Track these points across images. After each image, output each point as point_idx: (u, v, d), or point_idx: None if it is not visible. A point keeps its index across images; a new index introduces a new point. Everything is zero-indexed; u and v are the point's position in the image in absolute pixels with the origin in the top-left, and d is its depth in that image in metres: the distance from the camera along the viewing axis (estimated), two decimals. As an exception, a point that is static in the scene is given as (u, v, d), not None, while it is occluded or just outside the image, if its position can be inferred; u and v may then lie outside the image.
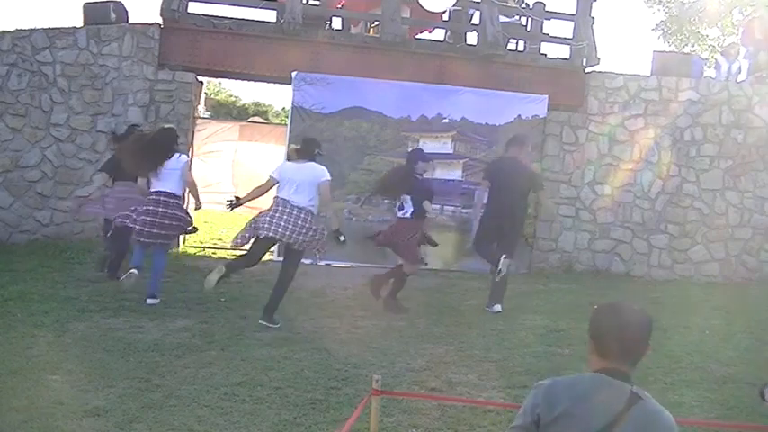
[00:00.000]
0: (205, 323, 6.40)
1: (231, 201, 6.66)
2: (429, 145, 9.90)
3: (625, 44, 46.43)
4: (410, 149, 8.49)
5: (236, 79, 11.62)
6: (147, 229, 6.78)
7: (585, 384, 2.13)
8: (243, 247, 6.93)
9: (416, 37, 10.85)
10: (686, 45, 21.64)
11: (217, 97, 23.78)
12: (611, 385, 2.09)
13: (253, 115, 20.59)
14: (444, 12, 10.59)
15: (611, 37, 45.12)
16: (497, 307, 7.33)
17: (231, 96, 24.65)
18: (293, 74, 9.54)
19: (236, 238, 6.71)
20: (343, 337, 6.26)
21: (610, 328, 2.17)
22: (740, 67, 11.57)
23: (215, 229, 12.13)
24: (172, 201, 6.91)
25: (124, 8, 9.71)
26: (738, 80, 11.27)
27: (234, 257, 7.21)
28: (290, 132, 9.72)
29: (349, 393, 4.81)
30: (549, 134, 10.18)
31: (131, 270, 6.70)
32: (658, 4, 22.15)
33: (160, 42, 9.47)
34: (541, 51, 10.68)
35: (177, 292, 7.19)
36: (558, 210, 10.12)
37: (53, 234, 9.22)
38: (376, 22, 10.64)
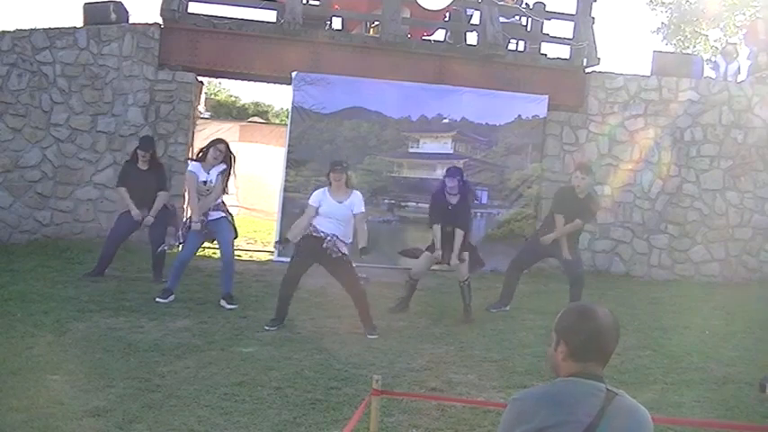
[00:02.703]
0: (205, 323, 6.40)
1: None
2: (429, 145, 9.92)
3: (625, 44, 46.42)
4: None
5: (236, 79, 11.63)
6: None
7: (562, 392, 2.10)
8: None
9: (423, 38, 10.85)
10: (688, 46, 21.62)
11: (217, 97, 23.74)
12: (587, 387, 2.08)
13: (253, 115, 20.56)
14: (444, 11, 10.59)
15: (611, 37, 45.11)
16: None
17: (231, 96, 24.61)
18: (293, 74, 9.54)
19: None
20: (343, 337, 6.26)
21: (590, 332, 2.12)
22: (739, 68, 11.58)
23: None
24: None
25: (124, 8, 9.71)
26: (738, 80, 11.27)
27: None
28: (290, 132, 9.73)
29: (349, 393, 4.81)
30: (549, 134, 10.19)
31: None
32: (661, 6, 22.13)
33: (160, 42, 9.48)
34: (541, 51, 10.69)
35: (178, 293, 7.18)
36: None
37: (53, 234, 9.22)
38: (376, 23, 10.65)
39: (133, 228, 7.93)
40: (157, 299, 6.94)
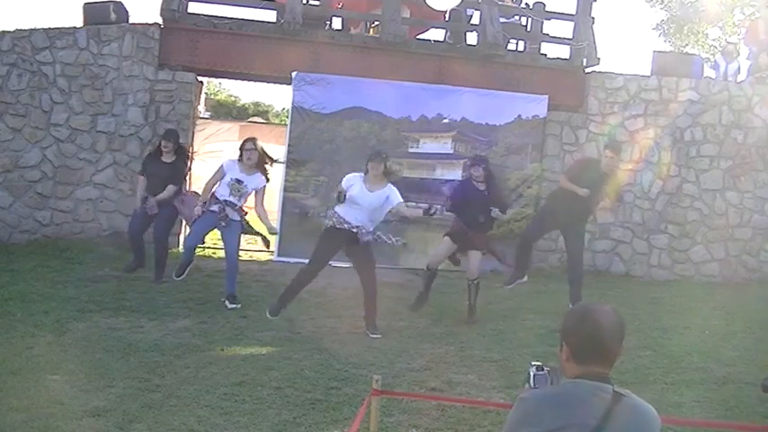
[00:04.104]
0: (205, 323, 6.40)
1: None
2: (429, 145, 9.92)
3: (625, 44, 46.41)
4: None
5: (236, 79, 11.64)
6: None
7: (566, 394, 2.09)
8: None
9: (417, 37, 10.86)
10: (687, 45, 21.63)
11: (217, 97, 23.74)
12: (593, 389, 2.06)
13: (253, 115, 20.56)
14: (447, 11, 10.59)
15: (611, 37, 45.11)
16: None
17: (231, 96, 24.60)
18: (293, 74, 9.54)
19: None
20: (343, 337, 6.26)
21: (588, 333, 2.11)
22: (739, 67, 11.57)
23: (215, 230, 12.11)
24: None
25: (124, 8, 9.71)
26: (738, 80, 11.27)
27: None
28: (290, 132, 9.72)
29: (349, 393, 4.81)
30: (549, 134, 10.19)
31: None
32: (660, 3, 22.13)
33: (160, 42, 9.47)
34: (541, 51, 10.69)
35: (177, 293, 7.19)
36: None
37: (53, 234, 9.22)
38: (376, 22, 10.64)
39: (146, 218, 7.85)
40: (175, 277, 7.01)
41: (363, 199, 6.29)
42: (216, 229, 7.33)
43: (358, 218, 6.32)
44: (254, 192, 7.08)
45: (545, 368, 2.34)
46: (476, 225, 7.06)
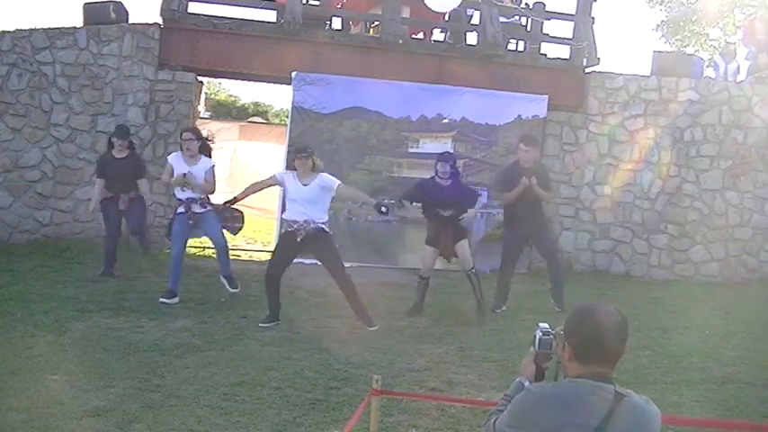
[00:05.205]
0: (205, 323, 6.40)
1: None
2: (429, 145, 9.91)
3: (625, 44, 46.43)
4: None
5: (235, 79, 11.64)
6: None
7: (567, 393, 2.09)
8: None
9: (414, 37, 10.87)
10: (687, 45, 21.63)
11: (217, 97, 23.75)
12: (593, 389, 2.06)
13: (253, 115, 20.57)
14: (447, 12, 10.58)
15: (611, 37, 45.12)
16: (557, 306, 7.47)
17: (231, 96, 24.61)
18: (293, 74, 9.53)
19: None
20: (343, 337, 6.26)
21: (589, 333, 2.11)
22: (738, 68, 11.58)
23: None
24: None
25: (124, 8, 9.71)
26: (738, 80, 11.27)
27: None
28: (290, 132, 9.72)
29: (349, 393, 4.81)
30: (549, 134, 10.19)
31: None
32: (660, 4, 22.12)
33: (160, 42, 9.47)
34: (541, 51, 10.69)
35: (177, 292, 7.18)
36: (558, 210, 10.12)
37: (53, 234, 9.22)
38: (376, 22, 10.64)
39: (119, 214, 7.90)
40: (161, 299, 6.92)
41: (299, 194, 6.44)
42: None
43: (302, 213, 6.42)
44: (204, 177, 7.09)
45: (551, 332, 2.36)
46: (443, 221, 7.05)
